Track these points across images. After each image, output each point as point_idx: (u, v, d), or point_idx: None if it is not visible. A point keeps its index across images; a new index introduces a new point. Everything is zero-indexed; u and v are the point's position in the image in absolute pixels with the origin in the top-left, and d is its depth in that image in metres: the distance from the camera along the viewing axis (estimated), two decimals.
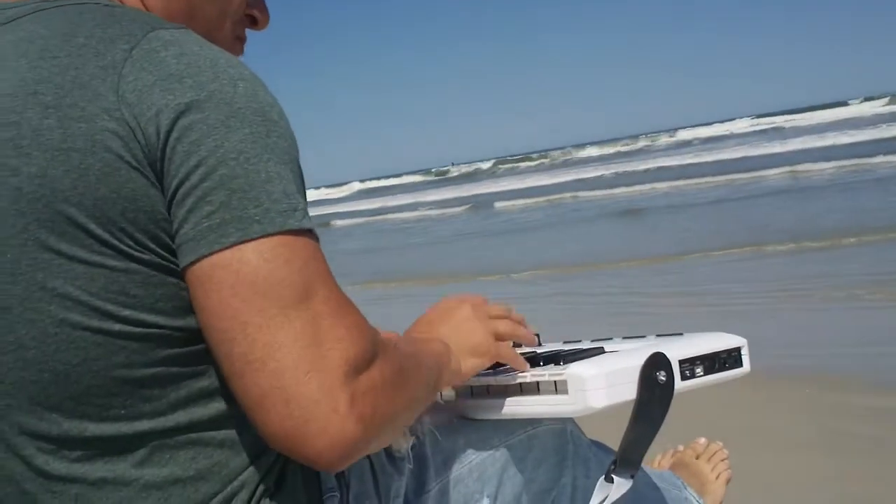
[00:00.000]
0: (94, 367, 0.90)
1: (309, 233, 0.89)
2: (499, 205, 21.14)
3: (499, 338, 1.22)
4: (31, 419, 0.92)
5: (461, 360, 1.16)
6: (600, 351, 1.24)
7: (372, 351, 0.88)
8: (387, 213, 25.88)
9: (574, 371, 1.13)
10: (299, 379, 0.83)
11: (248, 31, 1.16)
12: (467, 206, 22.42)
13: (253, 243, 0.85)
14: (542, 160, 46.91)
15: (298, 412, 0.83)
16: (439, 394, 1.29)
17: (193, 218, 0.86)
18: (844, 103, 45.17)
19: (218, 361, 0.88)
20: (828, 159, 16.59)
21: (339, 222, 24.77)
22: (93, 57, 0.89)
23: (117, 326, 0.89)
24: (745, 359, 1.28)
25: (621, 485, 1.16)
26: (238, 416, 0.94)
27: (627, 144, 46.61)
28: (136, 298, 0.89)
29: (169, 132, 0.86)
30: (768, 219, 10.39)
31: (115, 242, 0.87)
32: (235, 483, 0.96)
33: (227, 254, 0.85)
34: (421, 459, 1.18)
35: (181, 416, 0.93)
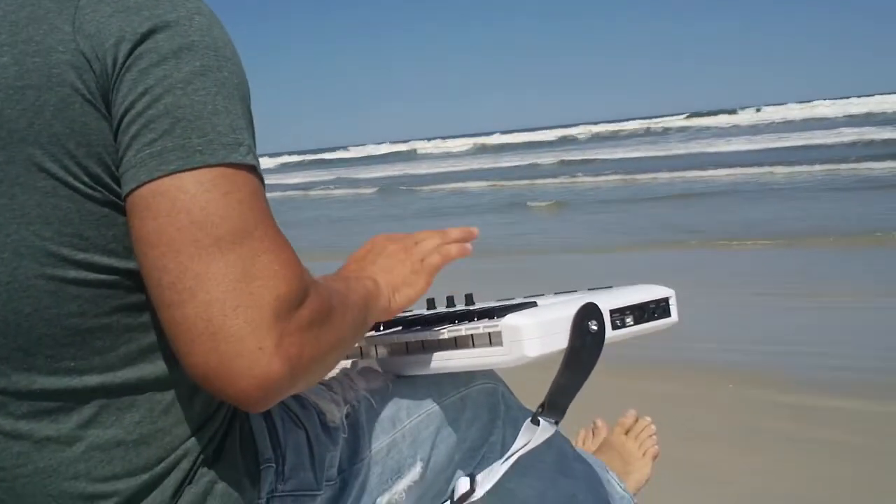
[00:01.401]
0: (46, 315, 0.89)
1: (252, 169, 0.88)
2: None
3: (433, 268, 1.22)
4: None
5: (392, 294, 1.16)
6: (532, 304, 1.25)
7: (303, 290, 0.87)
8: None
9: (508, 322, 1.15)
10: (227, 313, 0.81)
11: None
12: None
13: (193, 172, 0.84)
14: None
15: (224, 347, 0.81)
16: (374, 352, 1.31)
17: (136, 145, 0.85)
18: None
19: (149, 291, 0.86)
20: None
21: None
22: None
23: (72, 273, 0.89)
24: (674, 309, 1.32)
25: (546, 429, 1.19)
26: (183, 379, 0.94)
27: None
28: (88, 241, 0.88)
29: (124, 62, 0.86)
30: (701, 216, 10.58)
31: (70, 180, 0.87)
32: (178, 451, 0.96)
33: (167, 181, 0.83)
34: (355, 427, 1.19)
35: (130, 373, 0.93)
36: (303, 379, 0.88)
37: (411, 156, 46.40)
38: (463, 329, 1.18)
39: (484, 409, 1.34)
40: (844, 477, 2.86)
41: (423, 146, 51.84)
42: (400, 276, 1.18)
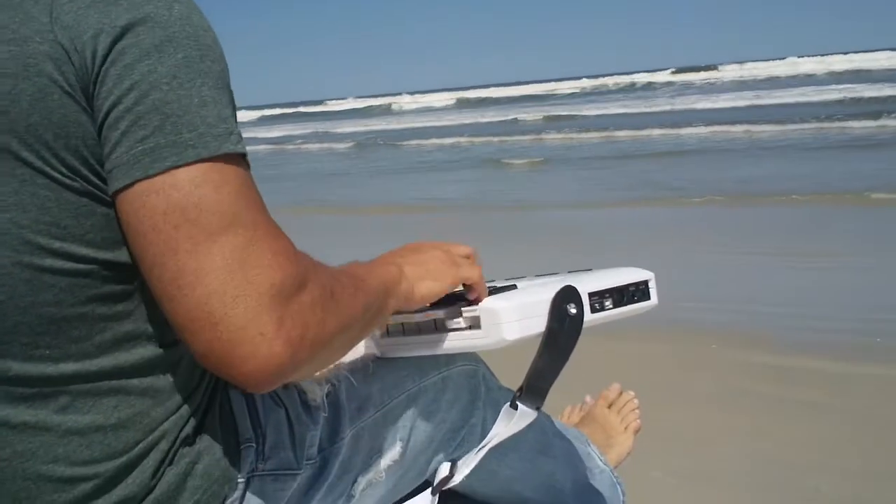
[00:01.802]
0: (22, 303, 0.90)
1: (242, 157, 0.90)
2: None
3: (465, 277, 1.20)
4: None
5: (416, 283, 1.15)
6: (512, 288, 1.25)
7: (301, 275, 0.88)
8: None
9: (487, 306, 1.15)
10: (227, 303, 0.84)
11: None
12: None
13: (186, 168, 0.85)
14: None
15: (227, 335, 0.84)
16: (378, 337, 1.29)
17: (127, 142, 0.85)
18: None
19: (150, 286, 0.88)
20: None
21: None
22: None
23: (48, 261, 0.89)
24: (653, 292, 1.32)
25: (525, 414, 1.19)
26: (161, 365, 0.97)
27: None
28: (66, 230, 0.89)
29: (105, 56, 0.85)
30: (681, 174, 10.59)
31: (48, 170, 0.87)
32: (156, 433, 0.98)
33: (160, 179, 0.85)
34: (336, 407, 1.19)
35: (106, 361, 0.94)
36: (309, 361, 0.90)
37: (391, 110, 46.17)
38: (442, 313, 1.19)
39: (464, 390, 1.35)
40: (824, 438, 2.89)
41: (403, 100, 51.57)
42: (427, 269, 1.17)
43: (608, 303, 1.24)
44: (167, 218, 0.84)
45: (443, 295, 1.19)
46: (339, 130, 29.41)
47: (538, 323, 1.16)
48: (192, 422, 1.01)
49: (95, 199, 0.89)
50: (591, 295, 1.21)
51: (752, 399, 3.28)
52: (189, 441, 1.01)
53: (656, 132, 17.16)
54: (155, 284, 0.87)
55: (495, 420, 1.28)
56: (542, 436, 1.50)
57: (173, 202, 0.84)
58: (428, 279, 1.16)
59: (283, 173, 15.35)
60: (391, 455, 1.24)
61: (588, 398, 2.03)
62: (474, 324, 1.16)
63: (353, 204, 10.24)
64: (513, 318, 1.14)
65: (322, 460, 1.16)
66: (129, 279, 0.93)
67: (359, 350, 1.30)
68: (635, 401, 1.96)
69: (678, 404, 3.25)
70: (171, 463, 0.99)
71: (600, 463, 1.67)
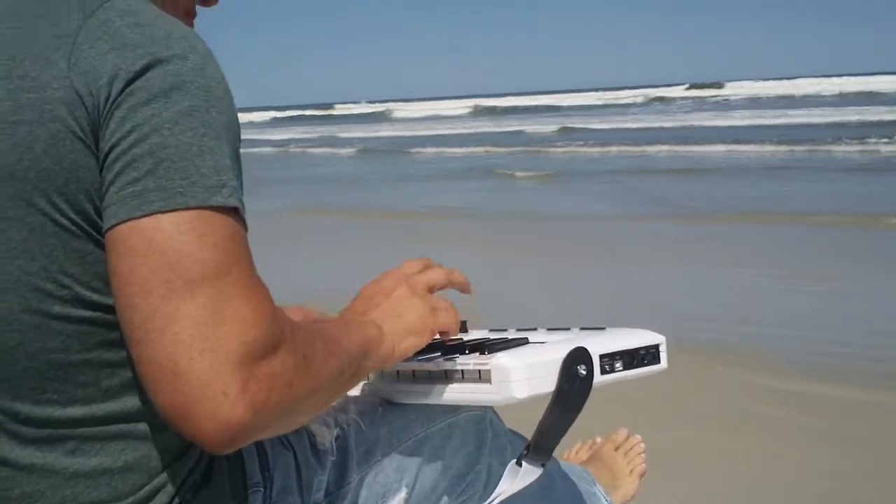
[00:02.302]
0: (31, 349, 0.91)
1: (234, 211, 0.88)
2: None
3: (441, 325, 1.20)
4: None
5: (397, 341, 1.13)
6: (524, 341, 1.26)
7: (275, 337, 0.86)
8: None
9: (499, 361, 1.16)
10: (193, 356, 0.81)
11: (199, 9, 1.17)
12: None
13: (172, 214, 0.84)
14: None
15: (188, 389, 0.82)
16: (367, 377, 1.30)
17: (119, 182, 0.85)
18: None
19: (121, 327, 0.87)
20: None
21: None
22: (48, 26, 0.90)
23: (56, 308, 0.90)
24: (663, 356, 1.33)
25: (530, 472, 1.19)
26: None
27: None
28: (73, 277, 0.90)
29: (115, 99, 0.86)
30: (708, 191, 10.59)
31: (57, 216, 0.88)
32: (163, 475, 0.98)
33: (145, 221, 0.84)
34: (344, 451, 1.20)
35: (113, 406, 0.94)
36: (273, 425, 0.88)
37: (400, 117, 46.15)
38: (454, 363, 1.19)
39: (471, 436, 1.35)
40: (831, 464, 2.87)
41: (418, 107, 51.63)
42: (407, 322, 1.15)
43: (618, 365, 1.24)
44: (146, 260, 0.83)
45: (421, 347, 1.18)
46: (347, 135, 29.47)
47: (548, 382, 1.16)
48: (200, 465, 1.01)
49: (101, 245, 0.89)
50: (601, 357, 1.22)
51: (756, 422, 3.27)
52: (196, 485, 1.01)
53: (669, 148, 17.13)
54: (125, 326, 0.85)
55: (501, 465, 1.28)
56: (546, 478, 1.47)
57: (154, 245, 0.83)
58: (409, 335, 1.14)
59: (292, 176, 15.39)
60: (396, 500, 1.25)
61: (598, 439, 2.05)
62: (484, 377, 1.17)
63: (355, 208, 10.28)
64: (523, 376, 1.14)
65: None
66: None
67: (367, 393, 1.31)
68: (642, 445, 1.98)
69: (681, 425, 3.23)
70: None
71: (605, 503, 1.67)
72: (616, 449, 1.97)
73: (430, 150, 20.73)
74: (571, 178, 13.30)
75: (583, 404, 1.19)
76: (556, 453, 1.51)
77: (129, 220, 0.84)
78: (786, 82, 42.03)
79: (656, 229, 7.94)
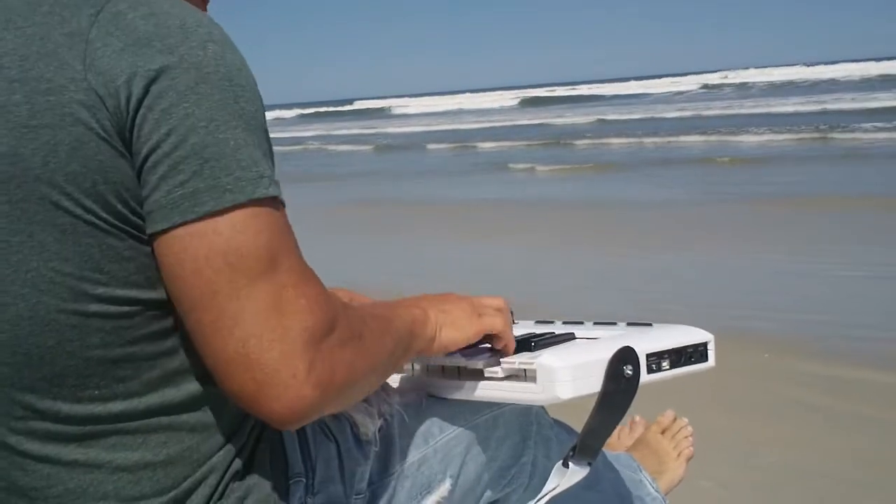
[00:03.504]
0: (69, 348, 0.91)
1: (275, 200, 0.90)
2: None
3: (488, 326, 1.19)
4: (4, 400, 0.93)
5: (440, 329, 1.15)
6: (571, 337, 1.25)
7: (331, 319, 0.91)
8: None
9: (544, 361, 1.14)
10: (262, 346, 0.86)
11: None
12: None
13: (226, 214, 0.86)
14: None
15: (261, 377, 0.87)
16: (411, 366, 1.30)
17: (165, 185, 0.86)
18: None
19: (188, 327, 0.90)
20: None
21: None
22: (58, 24, 0.88)
23: (93, 307, 0.90)
24: (711, 354, 1.30)
25: (576, 472, 1.18)
26: (208, 400, 0.97)
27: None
28: (109, 274, 0.89)
29: (140, 100, 0.85)
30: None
31: (89, 217, 0.87)
32: (205, 467, 0.98)
33: (201, 224, 0.86)
34: (387, 441, 1.19)
35: (154, 398, 0.95)
36: (336, 400, 0.93)
37: (447, 109, 45.89)
38: (498, 361, 1.19)
39: (516, 428, 1.33)
40: (876, 453, 2.83)
41: (462, 100, 51.39)
42: (452, 317, 1.17)
43: (665, 363, 1.22)
44: (208, 262, 0.86)
45: (464, 344, 1.18)
46: (393, 130, 29.22)
47: (594, 382, 1.15)
48: (242, 455, 1.02)
49: (138, 240, 0.89)
50: (648, 356, 1.20)
51: (802, 410, 3.23)
52: (239, 475, 1.01)
53: (717, 137, 16.78)
54: (193, 326, 0.89)
55: (546, 458, 1.28)
56: (592, 469, 1.48)
57: (214, 247, 0.86)
58: (451, 328, 1.16)
59: (340, 172, 15.43)
60: (440, 492, 1.23)
61: (637, 417, 2.00)
62: (529, 376, 1.15)
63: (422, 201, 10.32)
64: (568, 377, 1.13)
65: (371, 495, 1.16)
66: (174, 314, 0.93)
67: (411, 387, 1.30)
68: (689, 428, 1.93)
69: (728, 413, 3.21)
70: (220, 497, 0.99)
71: (652, 490, 1.65)
72: (662, 432, 1.92)
73: (488, 144, 20.33)
74: (615, 169, 13.20)
75: (629, 404, 1.18)
76: None
77: (184, 223, 0.86)
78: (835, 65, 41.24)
79: (705, 213, 7.88)
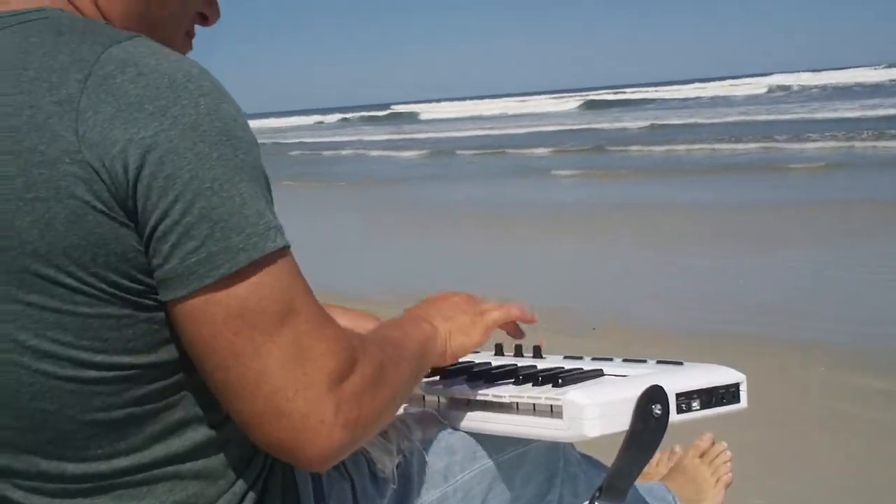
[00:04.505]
0: (70, 412, 0.91)
1: (284, 249, 0.91)
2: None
3: (491, 322, 1.23)
4: (9, 460, 0.94)
5: (449, 339, 1.17)
6: (600, 373, 1.24)
7: (351, 359, 0.92)
8: None
9: (571, 398, 1.12)
10: (289, 398, 0.88)
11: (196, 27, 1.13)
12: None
13: (240, 274, 0.87)
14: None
15: (291, 426, 0.88)
16: (437, 401, 1.29)
17: (179, 253, 0.86)
18: None
19: (213, 390, 0.92)
20: None
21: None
22: (46, 92, 0.86)
23: (91, 373, 0.90)
24: (743, 395, 1.26)
25: None
26: (212, 446, 0.97)
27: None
28: (107, 342, 0.89)
29: (139, 168, 0.84)
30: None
31: (87, 289, 0.87)
32: None
33: (218, 287, 0.87)
34: (405, 479, 1.18)
35: (158, 451, 0.95)
36: (363, 437, 0.95)
37: (510, 112, 45.66)
38: (525, 396, 1.17)
39: (542, 465, 1.30)
40: None
41: (521, 104, 51.17)
42: (458, 323, 1.19)
43: (695, 404, 1.19)
44: (227, 325, 0.87)
45: (474, 348, 1.21)
46: (447, 135, 28.94)
47: (622, 421, 1.13)
48: (251, 496, 1.01)
49: (137, 307, 0.89)
50: (678, 395, 1.17)
51: (859, 425, 3.17)
52: None
53: (780, 145, 16.22)
54: (218, 387, 0.90)
55: (573, 495, 1.26)
56: None
57: (232, 310, 0.87)
58: (459, 335, 1.18)
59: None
60: None
61: (678, 448, 1.94)
62: (556, 412, 1.13)
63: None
64: (596, 414, 1.11)
65: None
66: (174, 372, 0.93)
67: (435, 421, 1.28)
68: (728, 452, 1.87)
69: (783, 427, 3.15)
70: None
71: None
72: (700, 456, 1.86)
73: (542, 150, 20.11)
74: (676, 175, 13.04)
75: (658, 444, 1.15)
76: None
77: (201, 289, 0.86)
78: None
79: (770, 223, 7.72)
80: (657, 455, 1.93)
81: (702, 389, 1.20)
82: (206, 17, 1.11)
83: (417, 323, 1.15)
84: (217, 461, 0.98)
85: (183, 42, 1.08)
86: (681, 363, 1.29)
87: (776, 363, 3.76)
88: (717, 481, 1.82)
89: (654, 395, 1.14)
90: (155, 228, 0.86)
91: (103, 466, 0.93)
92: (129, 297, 0.88)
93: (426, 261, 6.99)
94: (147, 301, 0.89)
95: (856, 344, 4.06)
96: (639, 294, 5.36)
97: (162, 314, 0.90)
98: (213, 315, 0.87)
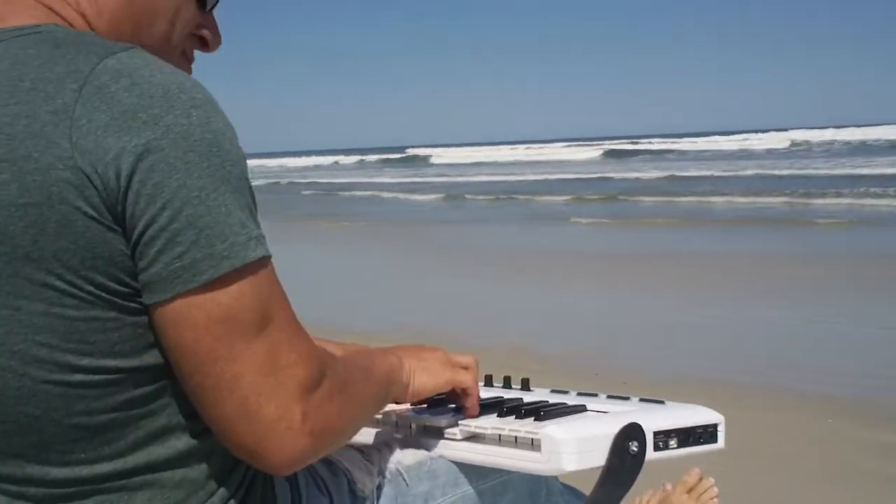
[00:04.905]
0: (55, 416, 0.93)
1: (266, 258, 0.94)
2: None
3: (459, 379, 1.26)
4: None
5: (414, 375, 1.21)
6: (582, 409, 1.27)
7: (320, 372, 0.97)
8: None
9: (549, 432, 1.16)
10: (261, 403, 0.92)
11: (197, 53, 1.15)
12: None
13: (222, 280, 0.90)
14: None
15: (260, 430, 0.93)
16: (421, 429, 1.30)
17: (164, 258, 0.89)
18: None
19: (188, 392, 0.95)
20: None
21: None
22: (43, 101, 0.89)
23: (77, 377, 0.92)
24: (721, 435, 1.29)
25: None
26: (193, 455, 0.99)
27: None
28: (94, 345, 0.92)
29: (130, 175, 0.87)
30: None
31: (75, 291, 0.89)
32: None
33: (200, 294, 0.90)
34: (386, 500, 1.20)
35: (140, 457, 0.97)
36: (327, 447, 1.00)
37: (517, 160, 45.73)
38: (507, 429, 1.20)
39: (525, 494, 1.32)
40: None
41: (548, 150, 51.28)
42: (426, 365, 1.23)
43: (672, 442, 1.23)
44: (208, 330, 0.90)
45: (435, 391, 1.25)
46: (463, 179, 29.03)
47: (599, 456, 1.16)
48: None
49: (123, 310, 0.91)
50: (656, 433, 1.21)
51: (864, 478, 3.14)
52: None
53: (822, 201, 15.82)
54: (195, 390, 0.93)
55: None
56: None
57: (213, 316, 0.90)
58: (424, 373, 1.22)
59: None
60: None
61: (668, 485, 1.92)
62: (535, 445, 1.16)
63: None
64: (573, 449, 1.14)
65: None
66: (158, 378, 0.95)
67: (419, 448, 1.29)
68: (715, 489, 1.86)
69: (787, 478, 3.13)
70: None
71: None
72: (688, 492, 1.85)
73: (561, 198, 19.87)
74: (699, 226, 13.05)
75: (633, 480, 1.18)
76: (624, 501, 1.51)
77: (185, 293, 0.89)
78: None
79: (783, 274, 7.75)
80: (648, 493, 1.95)
81: (679, 429, 1.24)
82: (206, 41, 1.14)
83: (386, 355, 1.19)
84: (198, 471, 1.00)
85: (179, 62, 1.10)
86: (662, 402, 1.33)
87: (787, 415, 3.75)
88: None
89: (631, 432, 1.18)
90: (143, 233, 0.88)
91: (86, 471, 0.95)
92: (115, 299, 0.91)
93: (436, 301, 7.00)
94: (133, 304, 0.92)
95: (861, 396, 4.06)
96: (650, 342, 5.37)
97: (147, 318, 0.92)
98: (195, 319, 0.90)
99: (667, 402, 1.33)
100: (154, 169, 0.87)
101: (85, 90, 0.88)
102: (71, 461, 0.95)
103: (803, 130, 49.29)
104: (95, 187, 0.87)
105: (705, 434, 1.27)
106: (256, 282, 0.93)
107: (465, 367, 1.27)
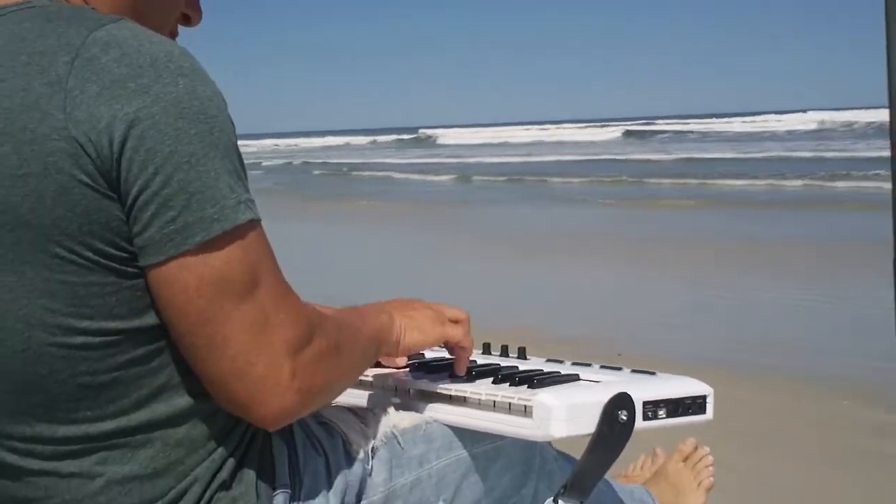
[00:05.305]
0: (61, 376, 0.98)
1: (255, 221, 0.99)
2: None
3: (449, 334, 1.29)
4: (5, 425, 1.02)
5: (404, 332, 1.24)
6: (575, 378, 1.31)
7: (309, 330, 1.02)
8: None
9: (541, 398, 1.19)
10: (251, 360, 0.98)
11: (180, 28, 1.21)
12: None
13: (213, 243, 0.95)
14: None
15: (250, 386, 0.98)
16: (418, 394, 1.33)
17: (157, 222, 0.93)
18: None
19: (182, 350, 1.00)
20: None
21: None
22: (37, 74, 0.94)
23: (79, 339, 0.97)
24: (710, 407, 1.33)
25: None
26: (195, 414, 1.04)
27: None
28: (94, 309, 0.97)
29: (123, 142, 0.92)
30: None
31: (74, 258, 0.94)
32: (189, 477, 1.05)
33: (191, 255, 0.95)
34: (380, 461, 1.23)
35: (143, 415, 1.02)
36: (314, 403, 1.06)
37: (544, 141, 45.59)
38: (500, 395, 1.24)
39: (518, 460, 1.35)
40: None
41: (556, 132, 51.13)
42: (416, 322, 1.26)
43: (661, 412, 1.27)
44: (199, 292, 0.95)
45: (427, 347, 1.28)
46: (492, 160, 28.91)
47: (588, 424, 1.20)
48: (228, 466, 1.07)
49: (121, 275, 0.96)
50: (645, 403, 1.25)
51: (880, 460, 3.15)
52: (225, 485, 1.06)
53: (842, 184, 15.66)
54: (187, 349, 0.99)
55: (549, 490, 1.31)
56: None
57: (205, 277, 0.95)
58: (415, 331, 1.25)
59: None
60: None
61: (658, 449, 1.98)
62: (528, 412, 1.20)
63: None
64: (563, 416, 1.18)
65: None
66: (157, 338, 1.00)
67: (415, 412, 1.32)
68: (710, 457, 1.91)
69: (801, 461, 3.15)
70: None
71: None
72: (683, 461, 1.90)
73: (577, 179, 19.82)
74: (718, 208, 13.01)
75: (622, 448, 1.22)
76: (618, 468, 1.53)
77: (178, 255, 0.94)
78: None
79: (784, 255, 7.75)
80: (642, 458, 2.00)
81: (668, 399, 1.28)
82: (189, 18, 1.20)
83: (377, 313, 1.23)
84: (199, 430, 1.05)
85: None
86: (654, 373, 1.37)
87: (799, 396, 3.75)
88: (699, 485, 1.86)
89: (621, 401, 1.22)
90: (136, 198, 0.93)
91: (91, 429, 1.01)
92: (113, 264, 0.96)
93: (449, 281, 7.02)
94: (130, 268, 0.97)
95: (881, 381, 4.05)
96: (665, 323, 5.38)
97: (143, 281, 0.97)
98: (186, 281, 0.95)
99: (658, 374, 1.37)
100: (145, 136, 0.92)
101: (77, 62, 0.93)
102: (77, 419, 1.00)
103: (825, 112, 48.77)
104: (90, 156, 0.92)
105: (694, 405, 1.31)
106: (246, 244, 0.97)
107: (456, 321, 1.30)
